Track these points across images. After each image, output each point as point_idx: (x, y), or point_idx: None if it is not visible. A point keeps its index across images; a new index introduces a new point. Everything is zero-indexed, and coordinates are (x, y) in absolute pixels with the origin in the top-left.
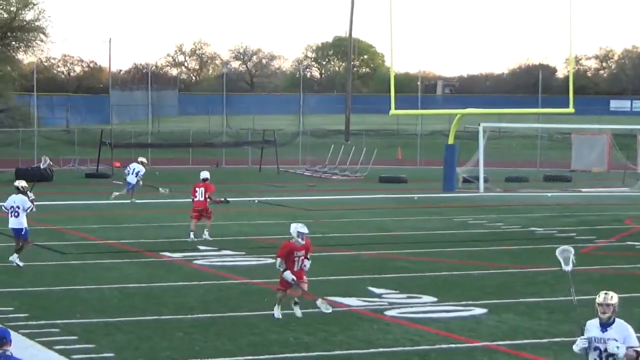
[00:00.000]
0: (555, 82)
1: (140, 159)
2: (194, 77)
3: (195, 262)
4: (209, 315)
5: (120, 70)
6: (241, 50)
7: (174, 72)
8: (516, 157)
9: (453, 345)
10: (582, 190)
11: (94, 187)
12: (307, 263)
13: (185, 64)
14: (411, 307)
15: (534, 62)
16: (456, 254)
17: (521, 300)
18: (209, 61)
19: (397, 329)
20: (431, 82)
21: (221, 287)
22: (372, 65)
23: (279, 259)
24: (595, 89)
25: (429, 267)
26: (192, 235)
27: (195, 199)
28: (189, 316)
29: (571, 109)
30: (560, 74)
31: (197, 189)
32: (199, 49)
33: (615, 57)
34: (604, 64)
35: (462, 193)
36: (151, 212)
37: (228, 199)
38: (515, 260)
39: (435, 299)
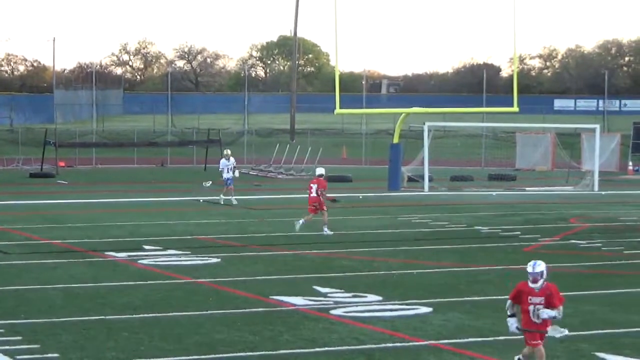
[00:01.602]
0: (499, 81)
1: (226, 151)
2: (138, 77)
3: (141, 261)
4: (154, 315)
5: (65, 70)
6: (186, 50)
7: (118, 71)
8: (461, 156)
9: (398, 344)
10: (527, 189)
11: (39, 187)
12: (548, 313)
13: (130, 63)
14: (356, 306)
15: (478, 61)
16: (401, 253)
17: (466, 298)
18: (154, 60)
19: (343, 328)
20: (376, 81)
21: (166, 287)
22: (317, 65)
23: (508, 301)
24: (540, 88)
25: (375, 266)
26: (301, 222)
27: (311, 195)
28: (135, 316)
29: (515, 108)
30: (504, 73)
31: (311, 185)
32: (144, 48)
33: (559, 57)
34: (548, 64)
35: (407, 192)
36: (96, 212)
37: (337, 199)
38: (460, 259)
39: (381, 298)
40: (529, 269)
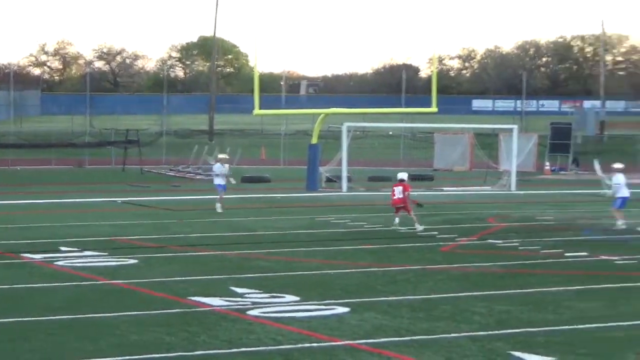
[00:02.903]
0: (418, 82)
1: (221, 155)
2: (57, 77)
3: (57, 263)
4: (70, 316)
5: None
6: (105, 50)
7: (36, 71)
8: (380, 157)
9: (315, 344)
10: (445, 189)
11: None
12: None
13: (48, 64)
14: (274, 306)
15: (397, 62)
16: (319, 253)
17: (383, 298)
18: (72, 61)
19: (260, 329)
20: (295, 81)
21: (83, 288)
22: (236, 65)
23: None
24: (458, 89)
25: (292, 267)
26: (397, 220)
27: (394, 197)
28: (51, 317)
29: (434, 109)
30: (423, 73)
31: (395, 188)
32: (62, 49)
33: (478, 57)
34: (467, 64)
35: (325, 192)
36: (12, 214)
37: (421, 204)
38: (377, 259)
39: (298, 298)
40: None
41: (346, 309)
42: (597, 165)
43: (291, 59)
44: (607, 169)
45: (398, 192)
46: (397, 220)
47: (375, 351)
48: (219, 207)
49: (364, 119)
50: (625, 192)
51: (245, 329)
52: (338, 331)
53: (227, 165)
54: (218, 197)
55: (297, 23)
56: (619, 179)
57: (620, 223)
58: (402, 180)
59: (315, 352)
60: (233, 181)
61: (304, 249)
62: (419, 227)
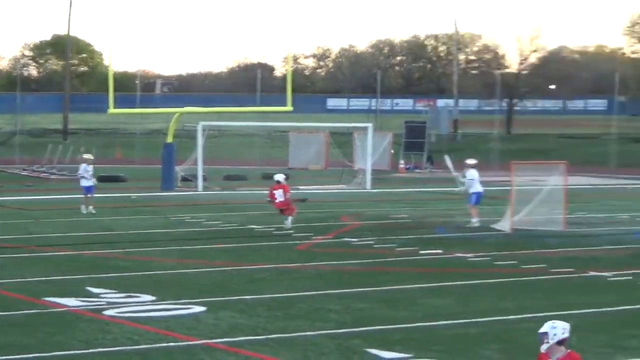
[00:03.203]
0: (273, 81)
1: (86, 155)
2: None
3: None
4: None
5: None
6: None
7: None
8: (235, 156)
9: (172, 344)
10: (300, 187)
11: None
12: None
13: None
14: (130, 306)
15: (252, 61)
16: (175, 253)
17: (240, 297)
18: None
19: (117, 329)
20: (150, 80)
21: None
22: (90, 64)
23: None
24: (313, 88)
25: (148, 266)
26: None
27: (277, 200)
28: None
29: (289, 108)
30: (278, 72)
31: (274, 191)
32: None
33: (332, 56)
34: (322, 63)
35: (181, 192)
36: None
37: (305, 199)
38: (233, 258)
39: (154, 298)
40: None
41: (203, 308)
42: (448, 162)
43: (146, 58)
44: (461, 166)
45: (279, 195)
46: (288, 222)
47: (232, 350)
48: (83, 208)
49: (219, 118)
50: (478, 188)
51: (101, 329)
52: (195, 330)
53: (91, 167)
54: (83, 197)
55: (151, 22)
56: (473, 174)
57: (475, 221)
58: (278, 182)
59: (173, 351)
60: (95, 182)
61: (160, 248)
62: (288, 225)
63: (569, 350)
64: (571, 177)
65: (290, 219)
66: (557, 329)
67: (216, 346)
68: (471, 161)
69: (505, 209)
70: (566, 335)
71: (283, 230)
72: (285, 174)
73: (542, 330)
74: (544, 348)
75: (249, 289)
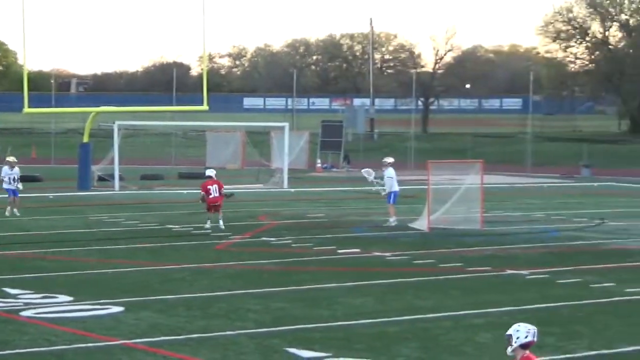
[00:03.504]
0: (189, 80)
1: (9, 158)
2: None
3: None
4: None
5: None
6: None
7: None
8: (152, 155)
9: (91, 345)
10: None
11: None
12: None
13: None
14: (47, 307)
15: (168, 60)
16: (92, 253)
17: (159, 297)
18: None
19: (34, 330)
20: (65, 80)
21: None
22: (4, 63)
23: None
24: (229, 87)
25: (65, 266)
26: (214, 223)
27: (212, 196)
28: None
29: (205, 107)
30: (194, 71)
31: (209, 186)
32: None
33: (248, 56)
34: (238, 62)
35: (97, 191)
36: None
37: (232, 193)
38: (152, 258)
39: (72, 298)
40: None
41: (121, 308)
42: (368, 176)
43: (61, 57)
44: (378, 166)
45: (214, 190)
46: (211, 223)
47: (151, 350)
48: (7, 211)
49: (135, 117)
50: (395, 187)
51: (18, 330)
52: (114, 330)
53: (16, 168)
54: (10, 201)
55: (66, 20)
56: (391, 172)
57: (392, 220)
58: (210, 177)
59: (91, 352)
60: (20, 186)
61: (79, 248)
62: (221, 224)
63: (526, 353)
64: (487, 176)
65: (221, 219)
66: (520, 332)
67: (135, 346)
68: (389, 159)
69: (422, 208)
70: (530, 339)
71: (205, 230)
72: (203, 173)
73: (507, 332)
74: (508, 351)
75: (167, 289)
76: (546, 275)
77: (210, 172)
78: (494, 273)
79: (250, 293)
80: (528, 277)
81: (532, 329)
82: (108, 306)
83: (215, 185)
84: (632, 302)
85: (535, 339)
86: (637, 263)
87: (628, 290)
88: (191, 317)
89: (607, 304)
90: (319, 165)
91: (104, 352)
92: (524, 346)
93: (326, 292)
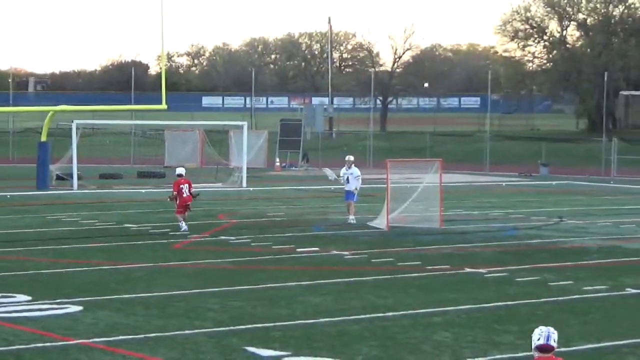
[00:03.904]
0: (148, 79)
1: None
2: None
3: None
4: None
5: None
6: None
7: None
8: (110, 154)
9: (48, 344)
10: None
11: None
12: None
13: None
14: (5, 306)
15: (126, 59)
16: (50, 252)
17: (117, 296)
18: None
19: None
20: (23, 79)
21: None
22: None
23: None
24: (188, 86)
25: (23, 266)
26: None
27: (185, 195)
28: None
29: (164, 106)
30: (152, 70)
31: (181, 185)
32: None
33: (207, 54)
34: (196, 61)
35: (56, 190)
36: None
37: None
38: (110, 257)
39: (30, 298)
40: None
41: (79, 308)
42: (327, 172)
43: (18, 56)
44: (338, 165)
45: (186, 189)
46: (184, 226)
47: (109, 349)
48: None
49: (93, 116)
50: (351, 185)
51: None
52: (72, 330)
53: None
54: None
55: (24, 19)
56: (357, 171)
57: (351, 218)
58: (180, 175)
59: (49, 351)
60: None
61: (37, 247)
62: (185, 226)
63: (543, 357)
64: (446, 175)
65: (182, 223)
66: (534, 334)
67: (94, 346)
68: (351, 158)
69: (381, 206)
70: (542, 341)
71: (182, 232)
72: (160, 172)
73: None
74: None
75: (126, 288)
76: (504, 274)
77: (181, 171)
78: (453, 271)
79: (208, 292)
80: (486, 275)
81: (545, 331)
82: (66, 306)
83: (187, 185)
84: (590, 300)
85: (549, 342)
86: (595, 261)
87: (586, 288)
88: (149, 316)
89: (565, 302)
90: (278, 164)
91: (62, 351)
92: (540, 349)
93: (285, 291)
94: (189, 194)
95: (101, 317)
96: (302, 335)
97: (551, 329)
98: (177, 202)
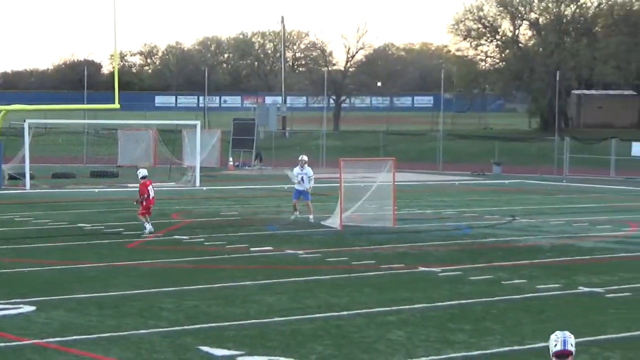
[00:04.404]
0: (101, 78)
1: None
2: None
3: None
4: None
5: None
6: None
7: None
8: (63, 154)
9: (2, 344)
10: (129, 185)
11: None
12: None
13: None
14: None
15: (79, 58)
16: (3, 252)
17: (71, 296)
18: None
19: None
20: None
21: None
22: None
23: None
24: (141, 85)
25: None
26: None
27: (150, 197)
28: None
29: (117, 105)
30: (105, 70)
31: (147, 188)
32: None
33: (160, 54)
34: (149, 60)
35: (8, 190)
36: None
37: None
38: (63, 257)
39: None
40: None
41: (33, 308)
42: (291, 177)
43: None
44: (291, 164)
45: (152, 191)
46: (149, 227)
47: (63, 349)
48: None
49: (46, 115)
50: (305, 185)
51: None
52: (26, 330)
53: None
54: None
55: None
56: (305, 170)
57: (294, 216)
58: (144, 177)
59: (3, 352)
60: None
61: None
62: (151, 227)
63: None
64: (399, 174)
65: (147, 224)
66: (551, 340)
67: (48, 346)
68: (304, 157)
69: (334, 205)
70: (559, 347)
71: (145, 234)
72: (113, 171)
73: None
74: None
75: (79, 288)
76: (458, 273)
77: (145, 172)
78: (407, 270)
79: (163, 291)
80: (440, 274)
81: (561, 336)
82: (20, 305)
83: (151, 186)
84: (543, 298)
85: (566, 347)
86: (548, 260)
87: (539, 286)
88: (103, 316)
89: (519, 300)
90: (231, 163)
91: (16, 352)
92: (558, 356)
93: (240, 290)
94: (154, 195)
95: (55, 317)
96: (256, 335)
97: (567, 333)
98: (144, 204)
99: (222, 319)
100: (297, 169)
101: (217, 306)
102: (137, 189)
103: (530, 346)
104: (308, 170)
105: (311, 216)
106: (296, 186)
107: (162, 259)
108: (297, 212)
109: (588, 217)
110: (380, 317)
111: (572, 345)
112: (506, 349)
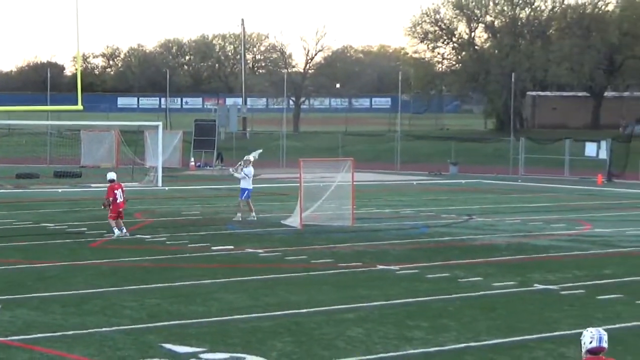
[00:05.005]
0: (64, 80)
1: None
2: None
3: None
4: None
5: None
6: None
7: None
8: (27, 154)
9: None
10: (92, 185)
11: None
12: None
13: None
14: None
15: (42, 60)
16: None
17: (34, 295)
18: None
19: None
20: None
21: None
22: None
23: None
24: (103, 87)
25: None
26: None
27: (119, 201)
28: None
29: (80, 106)
30: (68, 71)
31: (115, 191)
32: None
33: (122, 56)
34: (111, 62)
35: None
36: None
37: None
38: (26, 256)
39: None
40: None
41: None
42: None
43: None
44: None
45: (120, 195)
46: (122, 231)
47: (27, 347)
48: None
49: (9, 116)
50: (250, 184)
51: None
52: None
53: None
54: None
55: None
56: (250, 170)
57: (239, 216)
58: (112, 181)
59: None
60: None
61: None
62: (119, 232)
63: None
64: (358, 174)
65: (116, 229)
66: (585, 337)
67: (11, 344)
68: (250, 157)
69: (294, 205)
70: (595, 344)
71: (117, 236)
72: (76, 172)
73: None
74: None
75: (43, 287)
76: (416, 271)
77: (113, 176)
78: (365, 269)
79: (125, 290)
80: (398, 272)
81: (597, 333)
82: None
83: (121, 190)
84: (499, 295)
85: (602, 345)
86: (503, 258)
87: (495, 284)
88: (67, 314)
89: (475, 298)
90: (193, 163)
91: None
92: (591, 352)
93: (201, 289)
94: (123, 199)
95: (19, 315)
96: (217, 332)
97: (601, 330)
98: (111, 207)
99: (184, 316)
100: (250, 168)
101: (179, 304)
102: (101, 189)
103: (485, 343)
104: (250, 169)
105: (252, 214)
106: (246, 185)
107: (124, 258)
108: (253, 213)
109: (543, 216)
110: (339, 314)
111: (606, 342)
112: (462, 345)
